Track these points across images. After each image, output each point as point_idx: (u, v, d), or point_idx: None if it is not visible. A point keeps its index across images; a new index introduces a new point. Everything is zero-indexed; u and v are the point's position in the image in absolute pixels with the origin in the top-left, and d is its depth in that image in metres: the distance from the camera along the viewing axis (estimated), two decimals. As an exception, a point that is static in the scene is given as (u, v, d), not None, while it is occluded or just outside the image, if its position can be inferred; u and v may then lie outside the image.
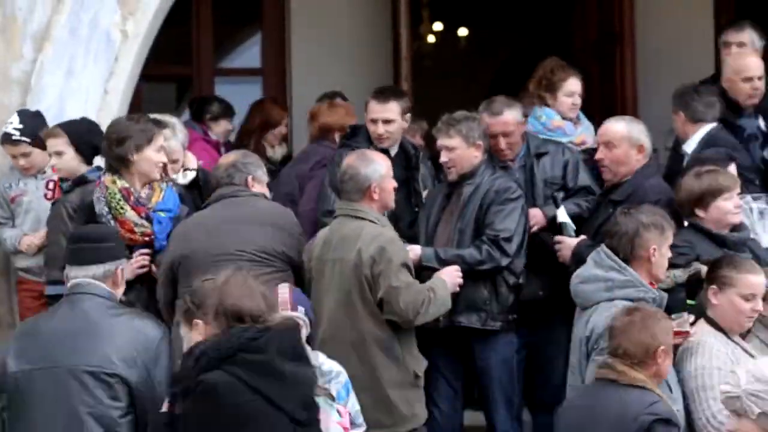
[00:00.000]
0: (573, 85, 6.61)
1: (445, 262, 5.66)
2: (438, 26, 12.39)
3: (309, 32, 8.55)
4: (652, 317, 4.46)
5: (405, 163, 6.20)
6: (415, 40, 10.09)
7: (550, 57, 6.86)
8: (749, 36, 6.98)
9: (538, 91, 6.60)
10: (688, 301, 5.00)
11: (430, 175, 6.36)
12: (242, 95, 7.94)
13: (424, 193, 6.17)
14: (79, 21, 6.24)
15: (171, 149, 5.82)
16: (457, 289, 5.55)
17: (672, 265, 5.18)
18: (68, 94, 6.23)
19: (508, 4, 11.61)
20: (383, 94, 6.26)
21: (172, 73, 8.98)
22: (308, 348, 4.44)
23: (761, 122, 6.60)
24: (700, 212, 5.43)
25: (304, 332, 4.78)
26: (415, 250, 5.66)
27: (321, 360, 4.89)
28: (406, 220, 6.07)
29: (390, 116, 6.16)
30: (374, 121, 6.18)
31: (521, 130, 6.29)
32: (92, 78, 6.24)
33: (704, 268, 5.08)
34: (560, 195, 6.16)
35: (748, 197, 5.82)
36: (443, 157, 5.94)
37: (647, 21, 8.47)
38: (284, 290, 4.88)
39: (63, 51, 6.23)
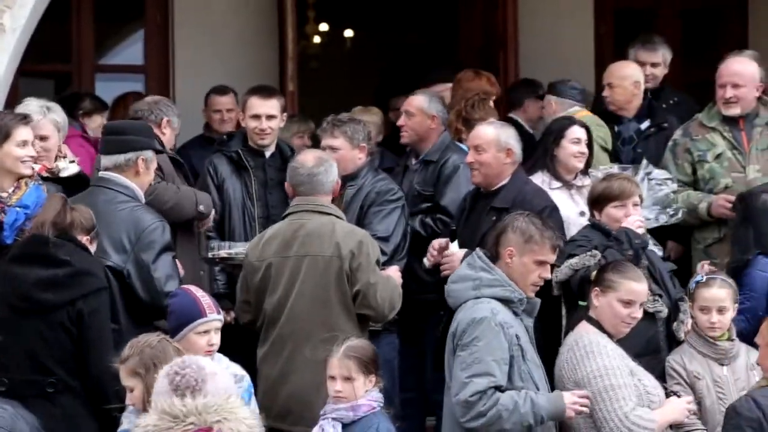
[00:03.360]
0: None
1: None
2: (324, 27, 12.38)
3: (192, 30, 8.45)
4: None
5: (282, 165, 6.17)
6: (300, 41, 10.07)
7: (475, 93, 6.85)
8: (662, 56, 7.23)
9: (457, 124, 6.60)
10: (580, 302, 5.07)
11: None
12: (124, 92, 7.80)
13: None
14: (-48, 13, 6.05)
15: (38, 125, 5.64)
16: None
17: (570, 256, 5.32)
18: (-59, 88, 6.04)
19: (394, 6, 11.65)
20: (264, 90, 6.27)
21: (51, 70, 8.80)
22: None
23: (645, 125, 6.80)
24: (596, 214, 5.60)
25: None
26: None
27: (225, 364, 4.85)
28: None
29: (273, 111, 6.16)
30: (257, 117, 6.15)
31: (426, 122, 6.33)
32: (-33, 72, 6.05)
33: (597, 258, 5.18)
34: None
35: (616, 167, 6.09)
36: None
37: (530, 28, 8.60)
38: (203, 294, 4.91)
39: (-65, 44, 6.03)
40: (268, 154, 6.19)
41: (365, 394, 4.84)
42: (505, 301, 4.74)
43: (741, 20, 9.00)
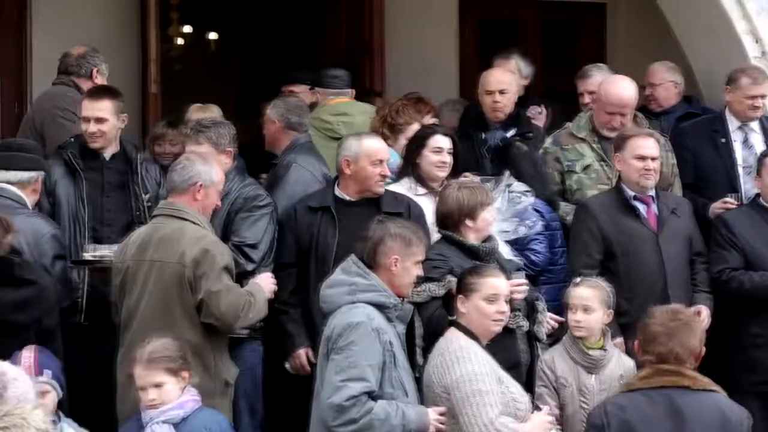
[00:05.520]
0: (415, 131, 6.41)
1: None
2: (187, 29, 12.23)
3: (52, 30, 8.22)
4: (695, 320, 4.48)
5: (124, 167, 6.10)
6: (163, 43, 9.92)
7: (401, 99, 6.71)
8: (515, 64, 7.31)
9: (382, 129, 6.47)
10: (449, 318, 5.09)
11: (154, 178, 6.19)
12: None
13: (146, 197, 6.05)
14: None
15: None
16: (272, 295, 5.48)
17: (427, 279, 5.26)
18: None
19: (258, 9, 11.59)
20: (97, 92, 6.23)
21: None
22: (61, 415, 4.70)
23: (511, 133, 6.85)
24: (469, 222, 5.50)
25: (53, 396, 4.74)
26: None
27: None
28: (120, 225, 5.95)
29: (102, 114, 6.08)
30: (86, 120, 6.10)
31: (270, 127, 6.42)
32: None
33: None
34: None
35: (477, 178, 6.07)
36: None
37: (395, 35, 8.65)
38: (28, 354, 4.77)
39: None
40: (107, 155, 6.11)
41: (185, 392, 4.81)
42: (380, 307, 4.77)
43: (598, 34, 9.25)
